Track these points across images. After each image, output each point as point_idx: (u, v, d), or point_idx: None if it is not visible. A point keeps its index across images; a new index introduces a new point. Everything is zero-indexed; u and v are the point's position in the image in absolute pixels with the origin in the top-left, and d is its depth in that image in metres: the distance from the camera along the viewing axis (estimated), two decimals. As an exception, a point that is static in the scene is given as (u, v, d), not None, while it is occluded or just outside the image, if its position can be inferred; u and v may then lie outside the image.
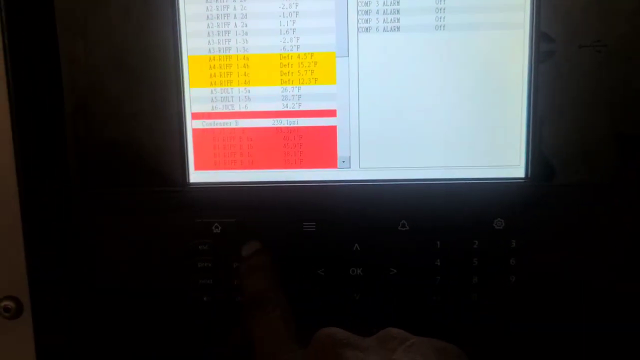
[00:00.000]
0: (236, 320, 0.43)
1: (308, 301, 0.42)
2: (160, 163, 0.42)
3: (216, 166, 0.42)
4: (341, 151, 0.42)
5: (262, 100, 0.41)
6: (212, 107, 0.42)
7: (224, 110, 0.42)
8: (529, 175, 0.41)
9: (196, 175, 0.42)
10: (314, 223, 0.42)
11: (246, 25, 0.41)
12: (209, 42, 0.41)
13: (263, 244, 0.41)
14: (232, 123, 0.42)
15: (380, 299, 0.42)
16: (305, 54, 0.41)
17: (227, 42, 0.41)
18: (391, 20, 0.40)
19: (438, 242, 0.42)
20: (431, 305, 0.42)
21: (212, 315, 0.43)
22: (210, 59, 0.41)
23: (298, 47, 0.41)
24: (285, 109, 0.41)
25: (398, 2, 0.40)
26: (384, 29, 0.40)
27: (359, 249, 0.42)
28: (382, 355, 0.30)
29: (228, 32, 0.41)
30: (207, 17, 0.41)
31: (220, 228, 0.42)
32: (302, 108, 0.41)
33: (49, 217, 0.43)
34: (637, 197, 0.41)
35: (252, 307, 0.37)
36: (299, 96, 0.41)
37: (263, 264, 0.40)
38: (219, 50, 0.41)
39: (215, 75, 0.41)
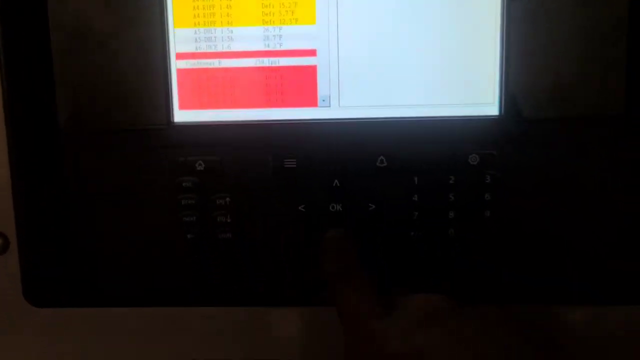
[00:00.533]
0: (219, 258, 0.44)
1: (288, 237, 0.43)
2: (145, 102, 0.43)
3: (200, 106, 0.43)
4: (321, 90, 0.43)
5: (244, 40, 0.43)
6: (196, 47, 0.43)
7: (208, 51, 0.43)
8: (502, 112, 0.42)
9: (180, 115, 0.44)
10: (294, 160, 0.43)
11: (228, -33, 0.42)
12: (192, -17, 0.42)
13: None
14: (215, 63, 0.43)
15: (360, 235, 0.43)
16: (286, -6, 0.42)
17: (210, -17, 0.42)
18: (369, -39, 0.41)
19: (415, 178, 0.43)
20: (409, 240, 0.43)
21: (196, 252, 0.44)
22: (193, -1, 0.42)
23: (279, -13, 0.42)
24: (267, 48, 0.43)
25: (375, -57, 0.41)
26: (362, -30, 0.42)
27: (338, 184, 0.43)
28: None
29: (211, -27, 0.42)
30: (191, -42, 0.42)
31: (203, 165, 0.43)
32: (283, 48, 0.43)
33: (36, 158, 0.44)
34: (608, 132, 0.42)
35: (341, 282, 0.38)
36: (280, 36, 0.42)
37: (348, 244, 0.41)
38: (203, -9, 0.42)
39: (198, 16, 0.43)
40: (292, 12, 0.42)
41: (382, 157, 0.43)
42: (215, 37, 0.43)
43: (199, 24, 0.43)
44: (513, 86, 0.42)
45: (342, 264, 0.39)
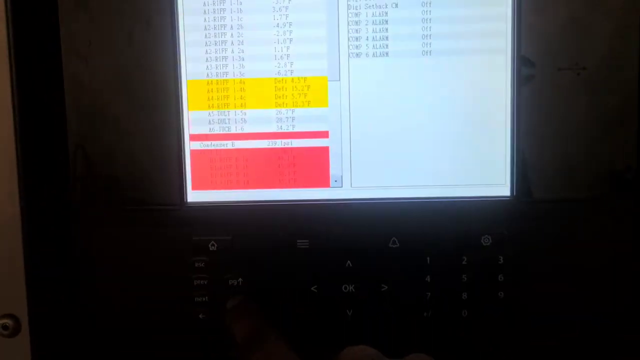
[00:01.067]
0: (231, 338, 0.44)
1: (302, 317, 0.43)
2: (159, 182, 0.43)
3: (213, 186, 0.44)
4: (333, 171, 0.43)
5: (257, 122, 0.43)
6: (210, 129, 0.44)
7: (221, 132, 0.43)
8: (514, 193, 0.43)
9: (193, 195, 0.44)
10: (307, 241, 0.43)
11: (242, 51, 0.43)
12: (207, 67, 0.43)
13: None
14: (228, 144, 0.44)
15: (373, 315, 0.43)
16: (298, 78, 0.43)
17: (224, 67, 0.43)
18: (380, 46, 0.42)
19: (428, 259, 0.43)
20: (422, 321, 0.43)
21: (208, 333, 0.44)
22: (208, 83, 0.43)
23: (292, 71, 0.43)
24: (280, 130, 0.43)
25: (386, 29, 0.42)
26: (374, 54, 0.42)
27: (351, 265, 0.43)
28: None
29: (225, 57, 0.43)
30: (206, 43, 0.43)
31: (216, 246, 0.43)
32: (295, 129, 0.43)
33: (49, 235, 0.45)
34: (619, 213, 0.42)
35: (251, 347, 0.38)
36: (293, 118, 0.43)
37: (251, 308, 0.42)
38: (217, 75, 0.43)
39: (213, 99, 0.43)
40: (305, 95, 0.43)
41: (394, 238, 0.43)
42: (228, 119, 0.43)
43: (213, 106, 0.43)
44: (524, 167, 0.42)
45: (253, 328, 0.39)
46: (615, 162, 0.42)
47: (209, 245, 0.43)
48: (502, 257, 0.42)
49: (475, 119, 0.42)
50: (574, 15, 0.41)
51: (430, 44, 0.42)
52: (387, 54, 0.42)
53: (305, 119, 0.43)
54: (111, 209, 0.44)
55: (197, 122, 0.43)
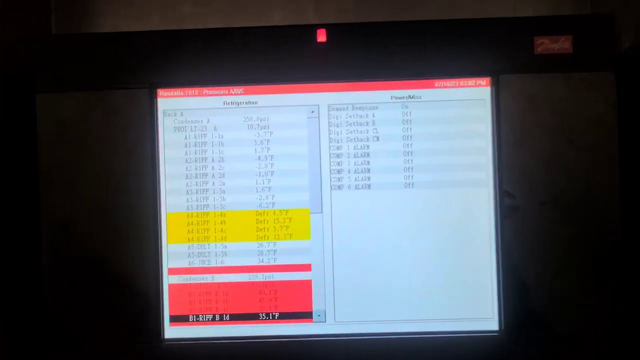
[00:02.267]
0: None
1: None
2: (136, 318, 0.41)
3: (191, 322, 0.42)
4: (316, 305, 0.42)
5: (238, 255, 0.42)
6: (189, 262, 0.42)
7: (201, 266, 0.42)
8: (502, 328, 0.41)
9: (171, 331, 0.42)
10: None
11: (224, 184, 0.42)
12: (187, 199, 0.42)
13: None
14: (208, 278, 0.42)
15: None
16: (280, 210, 0.42)
17: (205, 200, 0.42)
18: (362, 178, 0.42)
19: (414, 400, 0.41)
20: None
21: None
22: (188, 215, 0.42)
23: (274, 204, 0.42)
24: (261, 263, 0.42)
25: (368, 162, 0.42)
26: (356, 186, 0.42)
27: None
28: None
29: (206, 190, 0.42)
30: (187, 176, 0.42)
31: (193, 386, 0.41)
32: (277, 262, 0.42)
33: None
34: (609, 349, 0.41)
35: None
36: (275, 251, 0.42)
37: None
38: (197, 208, 0.42)
39: (192, 232, 0.42)
40: (287, 228, 0.42)
41: (379, 376, 0.41)
42: (209, 252, 0.42)
43: (192, 239, 0.42)
44: (512, 301, 0.41)
45: None
46: (603, 297, 0.41)
47: (187, 386, 0.41)
48: (492, 398, 0.41)
49: (460, 251, 0.42)
50: (554, 150, 0.41)
51: (412, 176, 0.42)
52: (369, 186, 0.42)
53: (287, 252, 0.42)
54: (88, 347, 0.42)
55: (176, 255, 0.42)
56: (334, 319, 0.42)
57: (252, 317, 0.42)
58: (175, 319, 0.42)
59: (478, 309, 0.42)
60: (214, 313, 0.42)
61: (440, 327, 0.42)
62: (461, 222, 0.42)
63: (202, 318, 0.42)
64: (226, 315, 0.42)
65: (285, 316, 0.42)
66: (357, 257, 0.42)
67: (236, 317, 0.42)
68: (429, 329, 0.42)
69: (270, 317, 0.42)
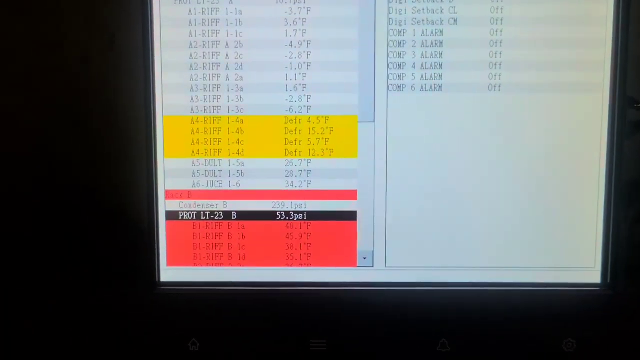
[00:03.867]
0: None
1: None
2: (123, 257, 0.31)
3: (195, 261, 0.32)
4: (362, 244, 0.32)
5: (259, 176, 0.32)
6: (194, 183, 0.32)
7: (209, 189, 0.32)
8: (607, 281, 0.31)
9: (169, 273, 0.32)
10: (324, 341, 0.32)
11: (241, 78, 0.31)
12: (191, 98, 0.31)
13: None
14: (219, 205, 0.32)
15: None
16: (317, 117, 0.31)
17: (215, 100, 0.31)
18: (431, 76, 0.31)
19: (489, 369, 0.31)
20: None
21: None
22: (192, 120, 0.31)
23: (309, 108, 0.31)
24: (290, 188, 0.32)
25: (441, 54, 0.31)
26: (422, 87, 0.31)
27: (384, 375, 0.31)
28: None
29: (218, 86, 0.31)
30: (191, 66, 0.31)
31: (198, 345, 0.32)
32: (311, 187, 0.32)
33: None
34: None
35: None
36: (308, 172, 0.31)
37: None
38: (205, 110, 0.31)
39: (198, 142, 0.31)
40: (326, 141, 0.31)
41: (444, 339, 0.32)
42: (220, 170, 0.32)
43: (198, 152, 0.32)
44: (622, 246, 0.31)
45: None
46: None
47: (189, 345, 0.31)
48: (589, 369, 0.31)
49: (556, 181, 0.31)
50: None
51: (499, 75, 0.31)
52: (440, 87, 0.31)
53: (325, 173, 0.31)
54: (61, 292, 0.31)
55: (175, 174, 0.32)
56: (385, 263, 0.32)
57: (276, 257, 0.32)
58: (173, 259, 0.32)
59: (575, 257, 0.32)
60: (225, 251, 0.32)
61: (523, 278, 0.32)
62: (562, 140, 0.31)
63: (210, 258, 0.32)
64: (241, 255, 0.32)
65: (320, 258, 0.32)
66: (419, 183, 0.31)
67: (254, 258, 0.32)
68: (509, 280, 0.32)
69: (300, 259, 0.32)
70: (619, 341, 0.31)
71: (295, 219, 0.32)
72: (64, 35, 0.30)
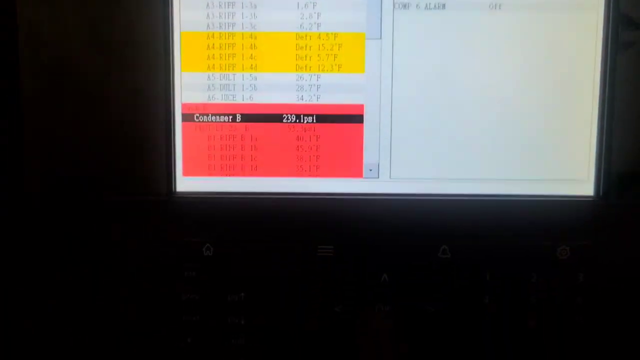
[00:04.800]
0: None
1: (321, 346, 0.33)
2: (141, 166, 0.33)
3: (210, 171, 0.34)
4: (368, 157, 0.33)
5: (271, 89, 0.33)
6: (209, 96, 0.33)
7: (224, 102, 0.33)
8: (600, 193, 0.33)
9: (185, 183, 0.34)
10: (331, 247, 0.33)
11: (255, -4, 0.32)
12: (207, 15, 0.33)
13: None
14: (232, 117, 0.33)
15: (415, 345, 0.33)
16: (327, 34, 0.33)
17: (230, 17, 0.33)
18: (435, -5, 0.32)
19: (487, 274, 0.33)
20: (478, 354, 0.33)
21: (198, 361, 0.34)
22: (208, 36, 0.33)
23: (319, 25, 0.33)
24: (300, 101, 0.33)
25: (445, -27, 0.32)
26: (426, 5, 0.32)
27: (387, 280, 0.33)
28: None
29: (232, 3, 0.33)
30: (207, -17, 0.32)
31: (212, 250, 0.33)
32: (320, 101, 0.33)
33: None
34: None
35: None
36: (318, 86, 0.33)
37: None
38: (220, 26, 0.33)
39: (214, 57, 0.33)
40: (335, 57, 0.33)
41: (444, 246, 0.33)
42: (234, 84, 0.33)
43: (213, 67, 0.33)
44: (614, 158, 0.33)
45: None
46: None
47: (204, 250, 0.33)
48: (582, 275, 0.33)
49: (553, 94, 0.33)
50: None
51: (500, -6, 0.32)
52: (443, 5, 0.32)
53: (334, 87, 0.33)
54: (77, 201, 0.33)
55: (192, 87, 0.33)
56: (390, 174, 0.34)
57: (287, 168, 0.33)
58: (190, 169, 0.34)
59: (570, 169, 0.33)
60: (238, 162, 0.33)
61: (520, 189, 0.34)
62: (558, 58, 0.33)
63: (224, 168, 0.34)
64: (254, 165, 0.33)
65: (328, 169, 0.33)
66: (422, 97, 0.33)
67: (267, 168, 0.33)
68: (507, 191, 0.33)
69: (309, 170, 0.33)
70: (610, 249, 0.33)
71: (305, 131, 0.33)
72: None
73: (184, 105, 0.33)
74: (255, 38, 0.33)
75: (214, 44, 0.33)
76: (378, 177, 0.34)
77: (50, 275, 0.33)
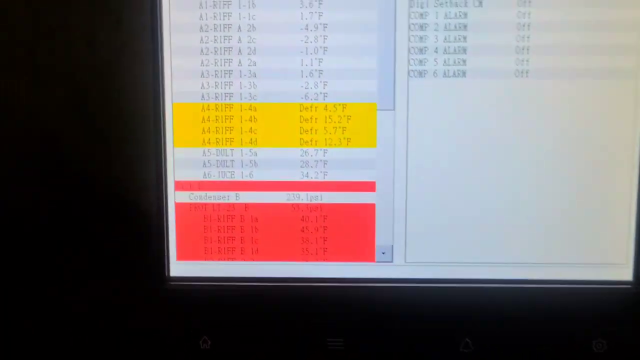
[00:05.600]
0: None
1: None
2: (132, 251, 0.30)
3: (207, 255, 0.31)
4: (381, 239, 0.30)
5: (273, 166, 0.30)
6: (205, 173, 0.30)
7: (221, 179, 0.30)
8: (638, 278, 0.30)
9: (179, 267, 0.31)
10: (341, 340, 0.30)
11: (254, 64, 0.29)
12: (202, 85, 0.30)
13: None
14: (231, 197, 0.30)
15: None
16: (334, 104, 0.30)
17: (228, 86, 0.30)
18: (454, 61, 0.29)
19: (514, 370, 0.30)
20: None
21: None
22: (203, 108, 0.30)
23: (325, 95, 0.30)
24: (306, 179, 0.30)
25: (464, 38, 0.29)
26: (444, 73, 0.29)
27: (403, 377, 0.30)
28: None
29: (230, 72, 0.30)
30: (201, 51, 0.29)
31: (210, 343, 0.30)
32: (327, 178, 0.30)
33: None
34: None
35: None
36: (325, 162, 0.30)
37: None
38: (217, 97, 0.30)
39: (209, 131, 0.30)
40: (343, 130, 0.30)
41: (467, 339, 0.30)
42: (232, 160, 0.30)
43: (209, 142, 0.30)
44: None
45: None
46: None
47: (200, 343, 0.30)
48: (621, 370, 0.30)
49: (586, 172, 0.29)
50: None
51: (527, 60, 0.29)
52: (464, 73, 0.29)
53: (342, 163, 0.30)
54: (63, 289, 0.30)
55: (185, 164, 0.30)
56: (405, 258, 0.30)
57: (291, 251, 0.30)
58: (184, 252, 0.31)
59: (606, 253, 0.30)
60: (238, 245, 0.30)
61: (551, 275, 0.30)
62: (593, 129, 0.29)
63: (222, 252, 0.30)
64: (255, 249, 0.30)
65: (336, 253, 0.30)
66: (440, 174, 0.30)
67: (268, 252, 0.30)
68: (535, 277, 0.30)
69: (316, 253, 0.30)
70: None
71: (311, 211, 0.30)
72: (70, 19, 0.28)
73: (177, 183, 0.30)
74: (255, 110, 0.30)
75: (209, 117, 0.30)
76: (392, 261, 0.31)
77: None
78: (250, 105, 0.30)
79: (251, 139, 0.30)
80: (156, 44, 0.29)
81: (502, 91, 0.29)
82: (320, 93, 0.30)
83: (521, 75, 0.29)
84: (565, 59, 0.29)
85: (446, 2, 0.29)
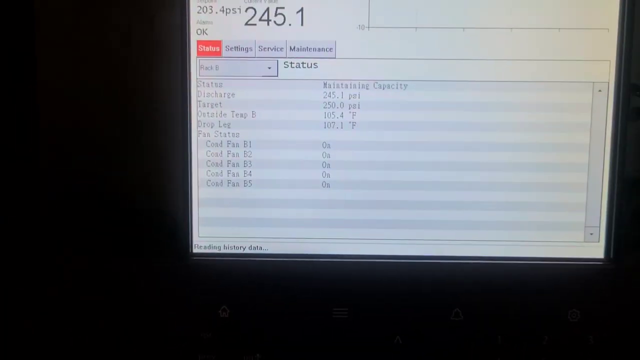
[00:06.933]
0: None
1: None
2: (154, 225, 0.33)
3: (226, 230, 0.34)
4: (382, 220, 0.34)
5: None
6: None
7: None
8: (610, 256, 0.34)
9: (202, 242, 0.34)
10: (346, 309, 0.34)
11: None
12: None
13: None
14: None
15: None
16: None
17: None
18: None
19: (499, 337, 0.34)
20: (489, 415, 0.34)
21: None
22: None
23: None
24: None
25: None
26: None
27: (401, 342, 0.34)
28: None
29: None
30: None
31: (228, 312, 0.34)
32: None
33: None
34: None
35: None
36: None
37: None
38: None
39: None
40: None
41: (457, 308, 0.34)
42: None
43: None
44: (625, 221, 0.33)
45: None
46: None
47: (220, 312, 0.34)
48: (592, 337, 0.33)
49: (564, 155, 0.33)
50: None
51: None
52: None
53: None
54: (91, 261, 0.34)
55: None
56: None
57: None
58: (207, 229, 0.34)
59: (581, 232, 0.34)
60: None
61: (532, 253, 0.34)
62: (570, 122, 0.33)
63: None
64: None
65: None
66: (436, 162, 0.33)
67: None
68: (518, 254, 0.34)
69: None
70: (620, 311, 0.33)
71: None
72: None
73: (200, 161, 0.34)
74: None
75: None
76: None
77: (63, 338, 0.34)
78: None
79: (267, 130, 0.33)
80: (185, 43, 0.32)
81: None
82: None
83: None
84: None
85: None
